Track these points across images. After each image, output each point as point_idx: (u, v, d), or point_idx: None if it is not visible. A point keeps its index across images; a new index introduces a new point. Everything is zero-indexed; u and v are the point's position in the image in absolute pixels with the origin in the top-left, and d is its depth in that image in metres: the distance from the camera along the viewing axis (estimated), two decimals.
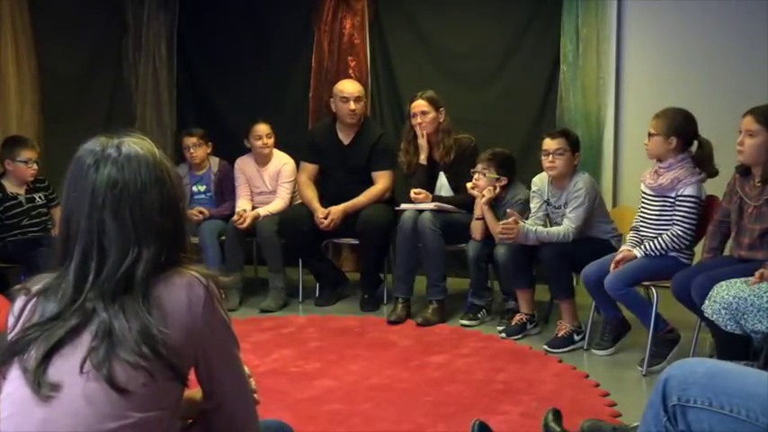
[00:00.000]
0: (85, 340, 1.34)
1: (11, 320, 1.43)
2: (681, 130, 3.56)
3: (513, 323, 4.15)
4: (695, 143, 3.62)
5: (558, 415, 2.61)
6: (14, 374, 1.35)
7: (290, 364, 3.66)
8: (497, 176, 4.24)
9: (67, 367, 1.32)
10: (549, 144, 3.97)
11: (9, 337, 1.40)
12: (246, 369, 1.56)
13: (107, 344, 1.32)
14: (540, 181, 4.14)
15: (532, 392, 3.25)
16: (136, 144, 1.45)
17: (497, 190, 4.24)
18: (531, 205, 4.16)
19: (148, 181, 1.41)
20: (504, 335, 4.11)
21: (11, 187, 4.43)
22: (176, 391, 1.39)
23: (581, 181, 3.96)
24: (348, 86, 4.84)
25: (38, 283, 1.44)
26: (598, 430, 2.60)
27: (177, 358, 1.36)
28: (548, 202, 4.10)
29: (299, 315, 4.60)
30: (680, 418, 1.66)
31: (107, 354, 1.31)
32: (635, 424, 2.27)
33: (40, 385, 1.31)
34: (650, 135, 3.62)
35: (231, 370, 1.49)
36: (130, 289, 1.36)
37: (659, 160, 3.63)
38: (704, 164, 3.55)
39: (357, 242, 4.82)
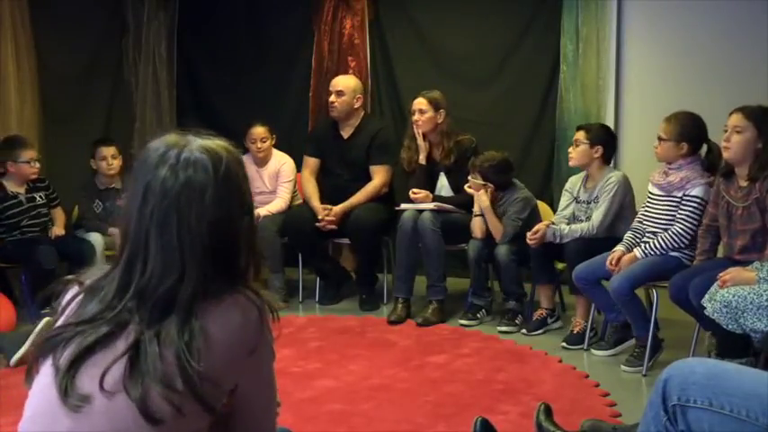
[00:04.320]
0: (116, 354, 1.26)
1: (58, 312, 1.38)
2: (692, 135, 3.57)
3: (534, 318, 4.17)
4: (704, 147, 3.62)
5: (548, 411, 2.60)
6: (46, 371, 1.30)
7: (290, 364, 3.65)
8: (483, 183, 4.27)
9: (98, 379, 1.25)
10: (575, 135, 4.08)
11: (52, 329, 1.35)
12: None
13: (137, 367, 1.24)
14: (576, 179, 4.16)
15: (532, 392, 3.24)
16: (202, 150, 1.34)
17: (488, 194, 4.26)
18: (561, 202, 4.20)
19: (201, 198, 1.30)
20: (524, 331, 4.13)
21: (11, 186, 4.43)
22: (206, 419, 1.30)
23: (614, 176, 3.95)
24: (334, 80, 4.92)
25: (89, 277, 1.38)
26: (598, 430, 2.60)
27: (212, 388, 1.27)
28: (577, 200, 4.10)
29: (299, 315, 4.59)
30: (680, 419, 1.66)
31: (142, 380, 1.23)
32: (635, 423, 2.27)
33: (68, 393, 1.25)
34: (660, 139, 3.60)
35: (266, 390, 1.42)
36: (170, 312, 1.27)
37: (668, 162, 3.63)
38: (713, 168, 3.56)
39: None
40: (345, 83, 4.87)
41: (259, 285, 1.39)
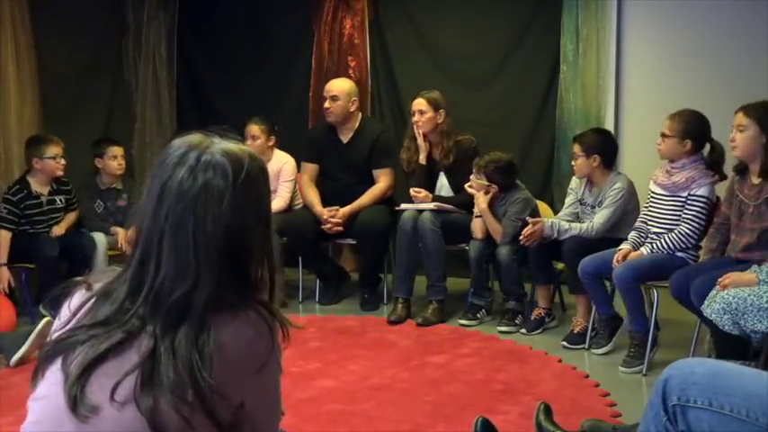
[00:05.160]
0: (128, 364, 1.23)
1: (65, 313, 1.34)
2: (696, 133, 3.58)
3: (532, 317, 4.18)
4: (707, 146, 3.63)
5: (548, 411, 2.61)
6: (54, 376, 1.26)
7: (290, 364, 3.60)
8: (488, 184, 4.27)
9: (108, 389, 1.23)
10: (574, 147, 4.07)
11: (58, 331, 1.32)
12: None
13: (150, 379, 1.22)
14: (578, 179, 4.16)
15: (532, 392, 3.24)
16: (223, 154, 1.30)
17: (489, 195, 4.27)
18: (567, 200, 4.21)
19: (218, 203, 1.27)
20: (523, 330, 4.15)
21: (36, 186, 4.44)
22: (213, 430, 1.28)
23: (620, 182, 3.95)
24: (328, 84, 4.87)
25: (99, 279, 1.35)
26: (598, 430, 2.60)
27: (221, 401, 1.25)
28: (581, 202, 4.11)
29: (299, 315, 4.59)
30: (680, 419, 1.66)
31: (151, 390, 1.21)
32: (635, 423, 2.28)
33: (77, 402, 1.22)
34: (664, 136, 3.61)
35: (271, 405, 1.41)
36: (184, 321, 1.24)
37: (671, 160, 3.64)
38: (715, 167, 3.57)
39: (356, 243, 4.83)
40: (340, 87, 4.81)
41: (274, 302, 1.36)
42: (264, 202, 1.36)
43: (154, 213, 1.29)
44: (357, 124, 4.85)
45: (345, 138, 4.86)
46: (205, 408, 1.22)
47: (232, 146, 1.34)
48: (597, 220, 3.91)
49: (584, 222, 4.01)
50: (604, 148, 4.02)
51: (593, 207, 4.03)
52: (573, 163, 4.08)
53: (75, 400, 1.22)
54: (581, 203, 4.11)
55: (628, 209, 3.95)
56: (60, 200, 4.55)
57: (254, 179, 1.33)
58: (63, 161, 4.46)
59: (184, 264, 1.27)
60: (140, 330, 1.26)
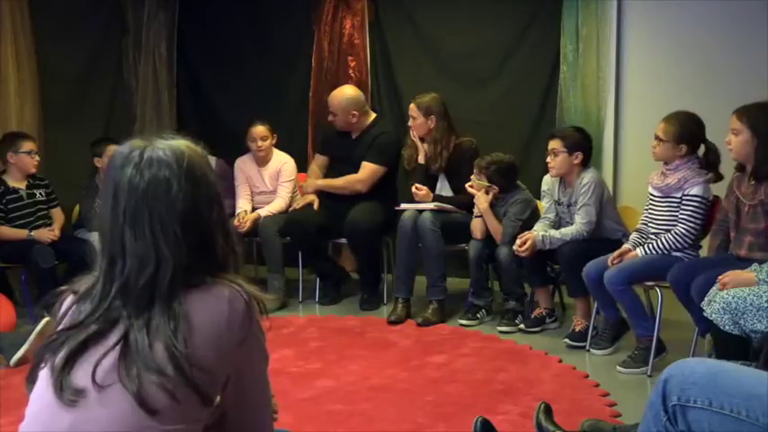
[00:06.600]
0: (107, 347, 1.31)
1: (56, 322, 1.42)
2: (690, 136, 3.57)
3: (533, 316, 4.19)
4: (702, 147, 3.62)
5: (548, 411, 2.61)
6: (44, 375, 1.35)
7: (290, 364, 3.66)
8: (488, 184, 4.27)
9: (91, 373, 1.30)
10: (549, 143, 4.02)
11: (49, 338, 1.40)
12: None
13: (128, 357, 1.29)
14: (549, 180, 4.15)
15: (532, 392, 3.24)
16: (164, 149, 1.39)
17: (489, 195, 4.27)
18: (543, 203, 4.19)
19: (167, 192, 1.35)
20: (522, 326, 4.16)
21: (12, 182, 4.47)
22: (202, 410, 1.34)
23: (587, 176, 3.96)
24: (329, 97, 4.90)
25: (83, 284, 1.42)
26: (598, 430, 2.60)
27: (204, 376, 1.31)
28: (558, 202, 4.11)
29: (299, 315, 4.60)
30: (680, 418, 1.66)
31: (135, 370, 1.28)
32: (635, 423, 2.28)
33: (62, 389, 1.29)
34: (659, 139, 3.60)
35: (258, 389, 1.45)
36: (153, 302, 1.32)
37: (665, 163, 3.64)
38: (711, 168, 3.58)
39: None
40: (337, 103, 4.80)
41: (245, 280, 1.42)
42: (212, 184, 1.43)
43: (113, 213, 1.37)
44: (366, 125, 4.87)
45: (355, 134, 4.90)
46: (187, 380, 1.28)
47: (171, 141, 1.43)
48: (580, 220, 3.92)
49: (567, 222, 4.03)
50: (586, 146, 4.03)
51: (568, 206, 4.04)
52: (549, 160, 4.00)
53: (61, 387, 1.29)
54: (557, 204, 4.11)
55: (602, 201, 3.96)
56: (41, 193, 4.57)
57: (197, 165, 1.41)
58: (37, 157, 4.49)
59: (145, 253, 1.34)
60: (118, 319, 1.33)
